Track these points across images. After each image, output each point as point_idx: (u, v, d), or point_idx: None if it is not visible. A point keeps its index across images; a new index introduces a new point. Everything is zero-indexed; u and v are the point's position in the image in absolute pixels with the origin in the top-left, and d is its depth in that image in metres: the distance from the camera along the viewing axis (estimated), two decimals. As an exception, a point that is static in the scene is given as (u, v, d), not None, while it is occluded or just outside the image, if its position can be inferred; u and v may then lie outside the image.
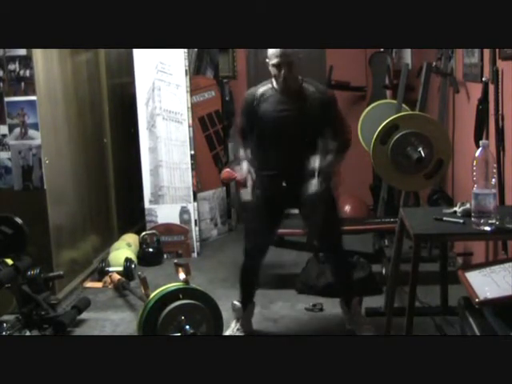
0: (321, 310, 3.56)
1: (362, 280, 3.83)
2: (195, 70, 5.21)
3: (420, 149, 3.46)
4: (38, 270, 3.45)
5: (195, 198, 4.90)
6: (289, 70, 2.96)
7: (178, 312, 2.94)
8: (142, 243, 4.77)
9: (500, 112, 3.15)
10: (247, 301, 3.34)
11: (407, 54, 5.48)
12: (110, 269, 4.34)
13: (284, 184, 3.11)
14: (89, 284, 4.28)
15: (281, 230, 3.92)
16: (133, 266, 4.37)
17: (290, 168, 3.08)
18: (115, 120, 5.06)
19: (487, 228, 2.31)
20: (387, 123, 3.57)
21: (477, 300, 2.20)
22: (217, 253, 4.94)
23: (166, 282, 3.35)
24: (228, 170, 4.07)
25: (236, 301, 3.36)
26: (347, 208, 5.40)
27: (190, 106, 4.82)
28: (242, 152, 3.22)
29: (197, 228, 4.92)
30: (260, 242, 3.25)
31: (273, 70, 3.02)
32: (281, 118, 3.04)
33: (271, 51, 2.98)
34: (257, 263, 3.28)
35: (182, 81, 4.76)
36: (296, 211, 3.33)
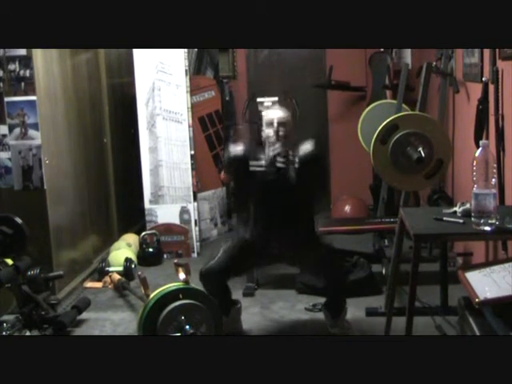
0: (321, 310, 3.55)
1: (362, 280, 3.83)
2: (195, 70, 5.21)
3: (420, 149, 3.46)
4: (37, 270, 3.46)
5: (195, 198, 4.90)
6: (283, 131, 3.08)
7: (178, 312, 2.94)
8: (142, 243, 4.77)
9: (500, 112, 3.15)
10: (228, 306, 3.29)
11: (407, 54, 5.48)
12: (110, 269, 4.34)
13: (274, 252, 3.19)
14: (89, 284, 4.28)
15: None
16: (133, 265, 4.37)
17: (278, 232, 3.14)
18: (115, 120, 5.06)
19: (487, 228, 2.31)
20: (387, 123, 3.56)
21: (477, 300, 2.20)
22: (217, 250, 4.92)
23: (166, 282, 3.35)
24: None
25: None
26: (347, 208, 5.41)
27: (190, 106, 4.82)
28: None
29: (197, 228, 4.92)
30: (229, 274, 3.23)
31: (266, 131, 3.12)
32: (270, 187, 3.09)
33: (269, 116, 3.15)
34: (218, 284, 3.23)
35: (182, 81, 4.76)
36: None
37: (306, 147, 3.10)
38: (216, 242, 5.10)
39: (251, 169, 3.11)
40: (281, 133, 3.09)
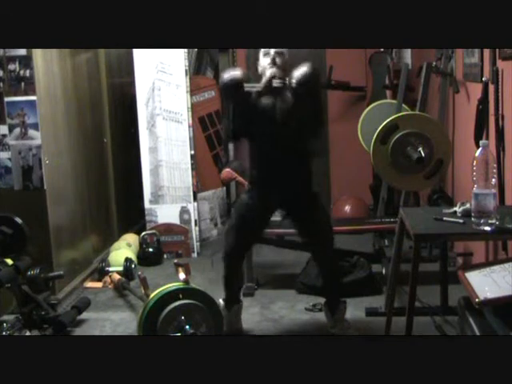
0: (321, 310, 3.55)
1: (362, 280, 3.83)
2: (195, 70, 5.21)
3: (420, 149, 3.46)
4: (37, 270, 3.45)
5: (195, 198, 4.90)
6: (281, 60, 3.01)
7: (178, 312, 2.94)
8: (142, 243, 4.77)
9: (500, 112, 3.15)
10: (232, 301, 3.32)
11: (407, 54, 5.48)
12: (110, 269, 4.33)
13: (274, 191, 3.13)
14: (89, 284, 4.28)
15: (280, 230, 3.94)
16: (133, 266, 4.37)
17: (280, 172, 3.08)
18: (115, 120, 5.06)
19: (487, 228, 2.31)
20: (387, 123, 3.57)
21: (477, 300, 2.20)
22: (217, 253, 4.93)
23: (166, 281, 3.35)
24: (228, 169, 4.07)
25: (222, 299, 3.34)
26: (347, 208, 5.40)
27: (190, 106, 4.82)
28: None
29: (197, 228, 4.92)
30: (244, 243, 3.26)
31: (263, 64, 3.05)
32: (267, 108, 3.02)
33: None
34: (237, 263, 3.28)
35: (182, 81, 4.76)
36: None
37: (302, 68, 2.98)
38: (216, 243, 5.11)
39: (247, 89, 3.02)
40: (277, 62, 3.02)
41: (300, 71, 2.97)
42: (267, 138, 3.06)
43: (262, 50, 3.10)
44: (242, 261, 3.35)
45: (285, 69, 3.05)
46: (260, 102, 3.04)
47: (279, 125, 3.02)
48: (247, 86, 3.03)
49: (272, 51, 3.05)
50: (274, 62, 3.03)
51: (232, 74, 3.04)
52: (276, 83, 3.00)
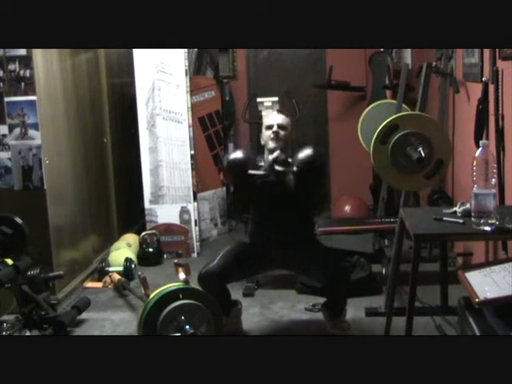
0: (320, 310, 3.55)
1: (362, 280, 3.83)
2: (195, 70, 5.21)
3: (420, 149, 3.46)
4: (37, 270, 3.46)
5: (195, 198, 4.90)
6: (283, 134, 3.13)
7: (178, 312, 2.94)
8: (142, 243, 4.77)
9: (500, 112, 3.15)
10: (227, 310, 3.28)
11: (407, 54, 5.49)
12: (110, 269, 4.33)
13: (272, 250, 3.18)
14: (89, 284, 4.28)
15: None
16: (133, 266, 4.37)
17: (278, 235, 3.16)
18: (115, 120, 5.06)
19: (487, 228, 2.31)
20: (387, 123, 3.56)
21: (477, 300, 2.20)
22: (217, 253, 4.91)
23: (166, 282, 3.35)
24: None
25: None
26: (347, 208, 5.41)
27: (190, 106, 4.82)
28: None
29: (197, 228, 4.92)
30: (224, 279, 3.23)
31: (266, 136, 3.16)
32: (269, 190, 3.11)
33: (269, 121, 3.20)
34: (216, 286, 3.20)
35: (182, 81, 4.76)
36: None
37: (305, 151, 3.09)
38: (216, 243, 5.11)
39: (250, 172, 3.11)
40: (280, 137, 3.12)
41: (303, 157, 3.06)
42: (268, 213, 3.18)
43: (265, 123, 3.21)
44: (222, 286, 3.26)
45: (287, 141, 3.16)
46: (262, 183, 3.10)
47: (280, 203, 3.11)
48: (252, 172, 3.12)
49: (275, 125, 3.14)
50: (276, 139, 3.13)
51: (235, 159, 3.16)
52: (278, 167, 3.07)
